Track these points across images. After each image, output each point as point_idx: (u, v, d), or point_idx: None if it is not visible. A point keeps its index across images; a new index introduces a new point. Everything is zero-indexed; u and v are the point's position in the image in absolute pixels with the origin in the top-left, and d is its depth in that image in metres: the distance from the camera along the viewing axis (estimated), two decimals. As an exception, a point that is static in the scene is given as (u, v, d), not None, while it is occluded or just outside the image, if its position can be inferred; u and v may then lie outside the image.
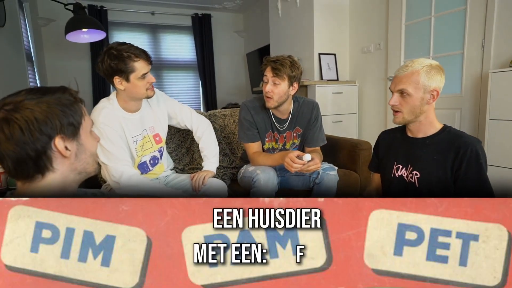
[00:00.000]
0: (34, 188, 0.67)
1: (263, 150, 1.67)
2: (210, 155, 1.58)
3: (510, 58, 2.21)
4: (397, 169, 1.19)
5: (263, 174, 1.48)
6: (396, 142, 1.22)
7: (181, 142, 1.94)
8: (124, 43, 1.31)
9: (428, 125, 1.13)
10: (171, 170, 1.65)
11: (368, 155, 1.94)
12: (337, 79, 3.46)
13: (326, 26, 3.42)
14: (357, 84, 3.46)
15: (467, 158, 1.03)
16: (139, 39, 4.93)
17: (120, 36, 4.84)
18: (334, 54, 3.46)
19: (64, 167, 0.69)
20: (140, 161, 1.47)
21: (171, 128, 1.77)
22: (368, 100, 3.44)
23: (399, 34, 3.02)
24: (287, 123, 1.65)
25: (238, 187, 1.72)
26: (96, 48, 4.65)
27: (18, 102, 0.64)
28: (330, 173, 1.56)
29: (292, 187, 1.69)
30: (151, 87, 1.38)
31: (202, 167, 1.58)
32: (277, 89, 1.51)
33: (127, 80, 1.31)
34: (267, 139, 1.65)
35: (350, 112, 3.37)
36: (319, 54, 3.40)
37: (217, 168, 1.63)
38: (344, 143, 2.01)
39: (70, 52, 4.59)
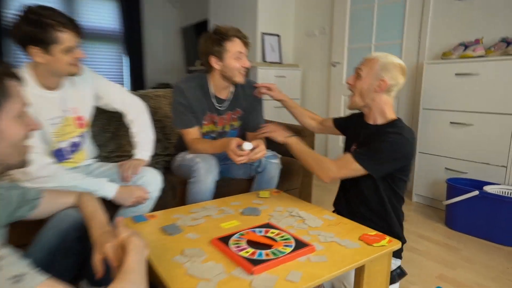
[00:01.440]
0: None
1: (202, 134, 1.67)
2: (144, 142, 1.54)
3: (441, 50, 2.51)
4: (352, 147, 1.38)
5: (204, 163, 1.48)
6: (357, 123, 1.40)
7: (105, 125, 1.84)
8: (47, 8, 1.19)
9: (379, 114, 1.28)
10: (94, 158, 1.58)
11: (311, 141, 2.05)
12: (281, 62, 3.56)
13: (271, 5, 3.48)
14: (300, 68, 3.61)
15: (376, 138, 1.21)
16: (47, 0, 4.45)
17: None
18: (278, 35, 3.55)
19: None
20: (57, 147, 1.37)
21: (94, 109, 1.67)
22: (312, 86, 3.62)
23: (344, 19, 3.22)
24: (228, 103, 1.67)
25: (172, 176, 1.68)
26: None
27: None
28: (273, 161, 1.61)
29: (233, 176, 1.73)
30: (77, 64, 1.29)
31: (132, 154, 1.52)
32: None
33: (47, 52, 1.20)
34: (205, 122, 1.65)
35: (293, 97, 3.45)
36: (263, 33, 3.45)
37: (151, 156, 1.58)
38: (287, 129, 2.09)
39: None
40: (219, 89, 1.63)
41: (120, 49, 5.03)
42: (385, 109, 1.27)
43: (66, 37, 1.21)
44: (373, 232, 1.09)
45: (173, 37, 5.47)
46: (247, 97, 1.70)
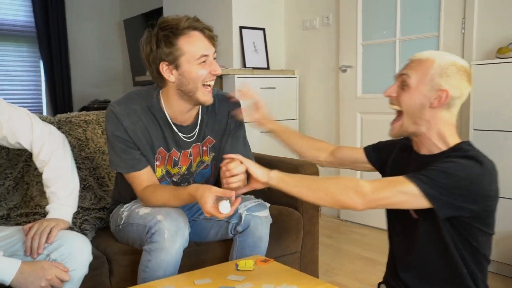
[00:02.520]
0: None
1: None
2: (63, 193, 1.53)
3: (496, 45, 2.55)
4: None
5: (169, 222, 1.46)
6: (402, 153, 1.38)
7: (4, 169, 1.85)
8: None
9: (438, 140, 1.24)
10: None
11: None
12: (268, 67, 3.61)
13: (251, -14, 3.57)
14: (296, 75, 3.66)
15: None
16: None
17: None
18: (263, 29, 3.62)
19: None
20: None
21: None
22: (314, 99, 3.65)
23: (355, 3, 3.30)
24: (196, 130, 1.66)
25: (109, 242, 1.69)
26: None
27: None
28: (259, 215, 1.61)
29: (204, 239, 1.72)
30: None
31: (46, 212, 1.51)
32: None
33: None
34: (157, 163, 1.65)
35: (287, 117, 3.53)
36: (241, 28, 3.51)
37: (75, 213, 1.59)
38: (279, 165, 2.08)
39: None
40: (178, 113, 1.62)
41: (35, 52, 5.05)
42: (446, 132, 1.24)
43: None
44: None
45: (112, 33, 5.54)
46: (219, 120, 1.70)
